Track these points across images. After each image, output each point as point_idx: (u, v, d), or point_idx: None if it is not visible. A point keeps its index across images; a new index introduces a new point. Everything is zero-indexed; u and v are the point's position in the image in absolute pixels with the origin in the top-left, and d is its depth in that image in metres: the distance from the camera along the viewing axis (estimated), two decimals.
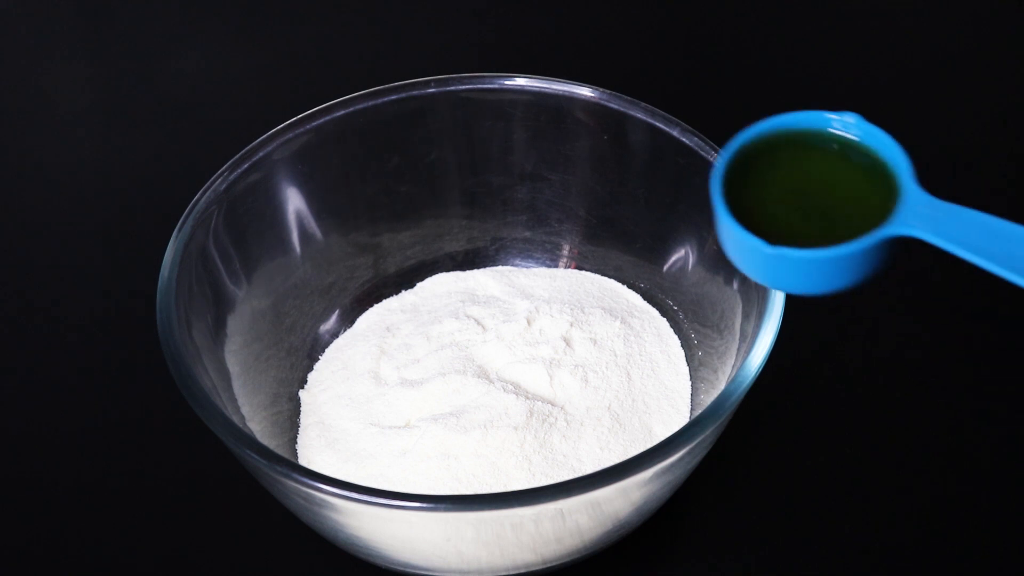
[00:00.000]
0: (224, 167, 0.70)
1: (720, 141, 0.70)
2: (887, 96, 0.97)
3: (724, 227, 0.54)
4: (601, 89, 0.74)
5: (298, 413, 0.72)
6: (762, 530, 0.69)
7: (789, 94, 0.98)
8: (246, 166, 0.71)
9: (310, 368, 0.75)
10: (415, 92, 0.75)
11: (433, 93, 0.75)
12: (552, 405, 0.69)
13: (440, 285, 0.79)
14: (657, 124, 0.72)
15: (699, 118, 0.73)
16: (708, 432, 0.58)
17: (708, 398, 0.70)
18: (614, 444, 0.68)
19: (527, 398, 0.68)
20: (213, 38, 1.06)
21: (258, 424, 0.68)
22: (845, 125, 0.56)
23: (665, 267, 0.76)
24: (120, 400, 0.77)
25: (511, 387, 0.69)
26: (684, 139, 0.71)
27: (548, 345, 0.72)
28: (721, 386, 0.66)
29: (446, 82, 0.75)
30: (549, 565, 0.64)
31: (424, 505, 0.55)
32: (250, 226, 0.72)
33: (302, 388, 0.74)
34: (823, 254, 0.52)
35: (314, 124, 0.73)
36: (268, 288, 0.73)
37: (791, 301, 0.63)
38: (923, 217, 0.52)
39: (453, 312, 0.75)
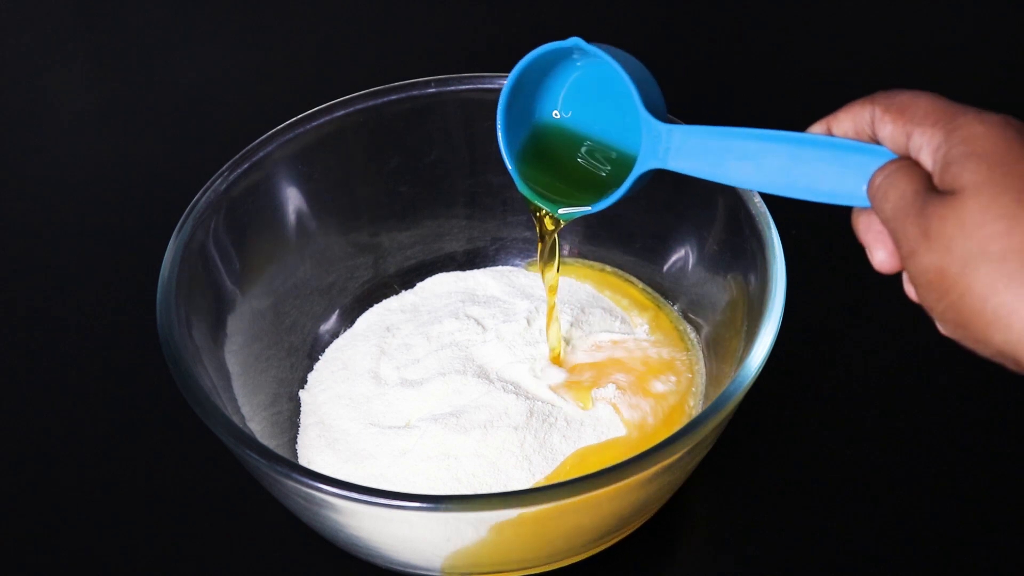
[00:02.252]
0: (224, 167, 0.70)
1: None
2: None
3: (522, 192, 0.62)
4: None
5: (298, 413, 0.72)
6: (762, 530, 0.69)
7: (790, 93, 0.98)
8: (246, 166, 0.71)
9: (310, 368, 0.75)
10: (415, 92, 0.75)
11: (433, 93, 0.75)
12: (552, 405, 0.69)
13: (440, 285, 0.79)
14: None
15: (699, 117, 0.73)
16: (708, 432, 0.58)
17: (708, 398, 0.70)
18: None
19: (527, 398, 0.68)
20: (213, 38, 1.06)
21: (258, 424, 0.68)
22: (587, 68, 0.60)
23: (665, 267, 0.76)
24: (120, 400, 0.77)
25: (511, 387, 0.69)
26: None
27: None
28: (721, 386, 0.66)
29: (446, 82, 0.75)
30: (550, 564, 0.64)
31: (424, 505, 0.55)
32: (250, 226, 0.72)
33: (302, 388, 0.74)
34: (590, 208, 0.60)
35: (314, 124, 0.73)
36: (268, 288, 0.73)
37: (791, 301, 0.63)
38: (654, 149, 0.56)
39: (453, 312, 0.75)
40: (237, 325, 0.70)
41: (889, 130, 0.48)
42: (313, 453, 0.69)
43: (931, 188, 0.46)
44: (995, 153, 0.44)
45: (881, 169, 0.48)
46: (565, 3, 1.09)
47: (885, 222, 0.47)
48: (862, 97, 0.50)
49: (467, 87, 0.75)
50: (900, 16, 1.06)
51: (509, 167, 0.63)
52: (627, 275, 0.78)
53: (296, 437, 0.71)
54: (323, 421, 0.71)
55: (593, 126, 0.62)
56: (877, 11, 1.07)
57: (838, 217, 0.90)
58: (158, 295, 0.64)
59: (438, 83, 0.75)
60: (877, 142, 0.50)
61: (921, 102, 0.47)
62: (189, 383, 0.60)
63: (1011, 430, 0.73)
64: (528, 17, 1.07)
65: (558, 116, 0.62)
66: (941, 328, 0.47)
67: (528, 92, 0.62)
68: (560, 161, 0.63)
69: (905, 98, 0.48)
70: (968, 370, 0.75)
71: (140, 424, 0.75)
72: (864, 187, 0.50)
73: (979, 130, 0.45)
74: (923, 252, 0.45)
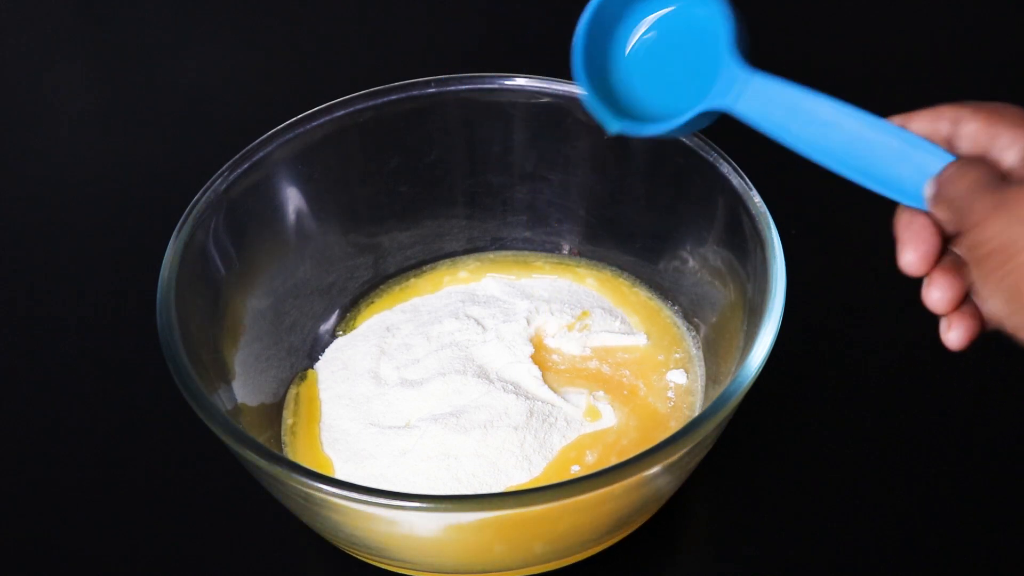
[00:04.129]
0: (224, 167, 0.70)
1: (720, 140, 0.70)
2: (891, 93, 0.97)
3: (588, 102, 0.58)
4: None
5: None
6: (762, 530, 0.69)
7: None
8: (246, 166, 0.71)
9: (310, 368, 0.75)
10: (415, 92, 0.75)
11: (433, 93, 0.75)
12: (552, 405, 0.69)
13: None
14: None
15: None
16: (708, 432, 0.58)
17: (708, 398, 0.70)
18: None
19: (527, 398, 0.68)
20: (213, 39, 1.06)
21: None
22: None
23: (665, 267, 0.76)
24: (120, 400, 0.77)
25: (511, 387, 0.69)
26: (684, 139, 0.71)
27: None
28: (721, 386, 0.66)
29: (446, 82, 0.75)
30: (550, 564, 0.64)
31: (424, 505, 0.55)
32: (250, 226, 0.72)
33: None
34: (650, 130, 0.56)
35: (314, 124, 0.73)
36: (268, 288, 0.73)
37: (791, 301, 0.63)
38: (730, 92, 0.54)
39: (453, 312, 0.75)
40: (237, 325, 0.70)
41: (973, 128, 0.50)
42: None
43: (1004, 178, 0.48)
44: None
45: (953, 162, 0.50)
46: (565, 3, 1.08)
47: (950, 203, 0.49)
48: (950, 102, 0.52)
49: (467, 87, 0.75)
50: (900, 16, 1.06)
51: (582, 86, 0.59)
52: (627, 275, 0.78)
53: None
54: (323, 421, 0.71)
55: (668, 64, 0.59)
56: (877, 11, 1.06)
57: (838, 217, 0.90)
58: (158, 295, 0.64)
59: (438, 83, 0.75)
60: (950, 148, 0.51)
61: (1012, 109, 0.50)
62: (189, 383, 0.60)
63: (1011, 430, 0.73)
64: (528, 17, 1.07)
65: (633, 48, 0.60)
66: (989, 305, 0.49)
67: (612, 29, 0.60)
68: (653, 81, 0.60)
69: (996, 105, 0.51)
70: (968, 370, 0.76)
71: (140, 424, 0.75)
72: (921, 185, 0.50)
73: None
74: (992, 221, 0.47)
